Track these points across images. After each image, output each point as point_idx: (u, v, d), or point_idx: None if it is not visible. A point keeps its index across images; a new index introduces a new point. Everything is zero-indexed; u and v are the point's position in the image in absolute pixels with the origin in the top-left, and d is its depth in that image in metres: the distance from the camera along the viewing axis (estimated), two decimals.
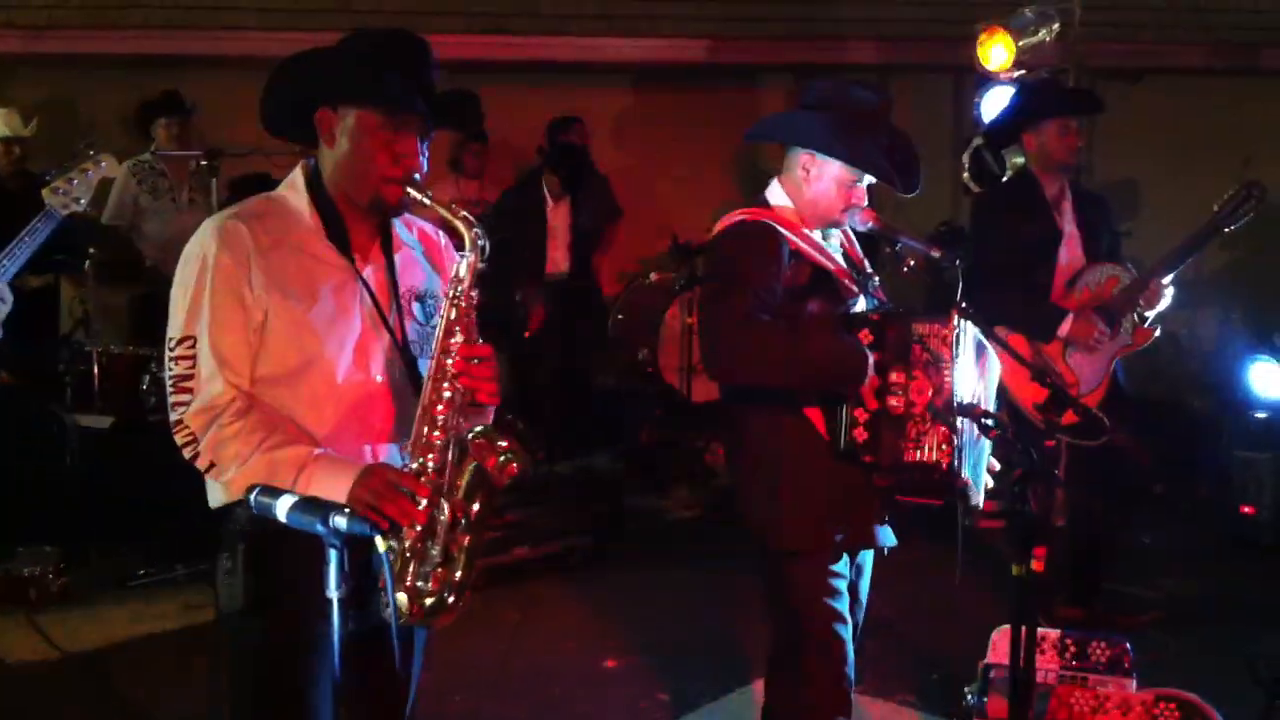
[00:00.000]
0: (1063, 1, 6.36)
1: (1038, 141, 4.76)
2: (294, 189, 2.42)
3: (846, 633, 3.15)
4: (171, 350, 2.31)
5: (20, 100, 6.91)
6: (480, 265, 2.33)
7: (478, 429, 2.30)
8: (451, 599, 2.27)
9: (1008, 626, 3.04)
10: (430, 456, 2.28)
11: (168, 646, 4.81)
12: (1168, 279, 4.57)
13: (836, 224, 3.19)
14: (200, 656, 4.71)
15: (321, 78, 2.36)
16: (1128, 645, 3.76)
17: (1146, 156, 8.06)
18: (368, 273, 2.40)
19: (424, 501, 2.23)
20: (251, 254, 2.28)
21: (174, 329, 2.31)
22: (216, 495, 2.36)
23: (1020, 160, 5.79)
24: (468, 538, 2.28)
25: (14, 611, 5.00)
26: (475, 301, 2.34)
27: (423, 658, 2.59)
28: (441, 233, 2.64)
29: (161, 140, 6.84)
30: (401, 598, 2.25)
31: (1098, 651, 3.76)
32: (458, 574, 2.27)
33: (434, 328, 2.39)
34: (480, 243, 2.33)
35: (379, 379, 2.38)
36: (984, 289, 4.25)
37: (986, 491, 3.13)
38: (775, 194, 3.21)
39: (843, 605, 3.14)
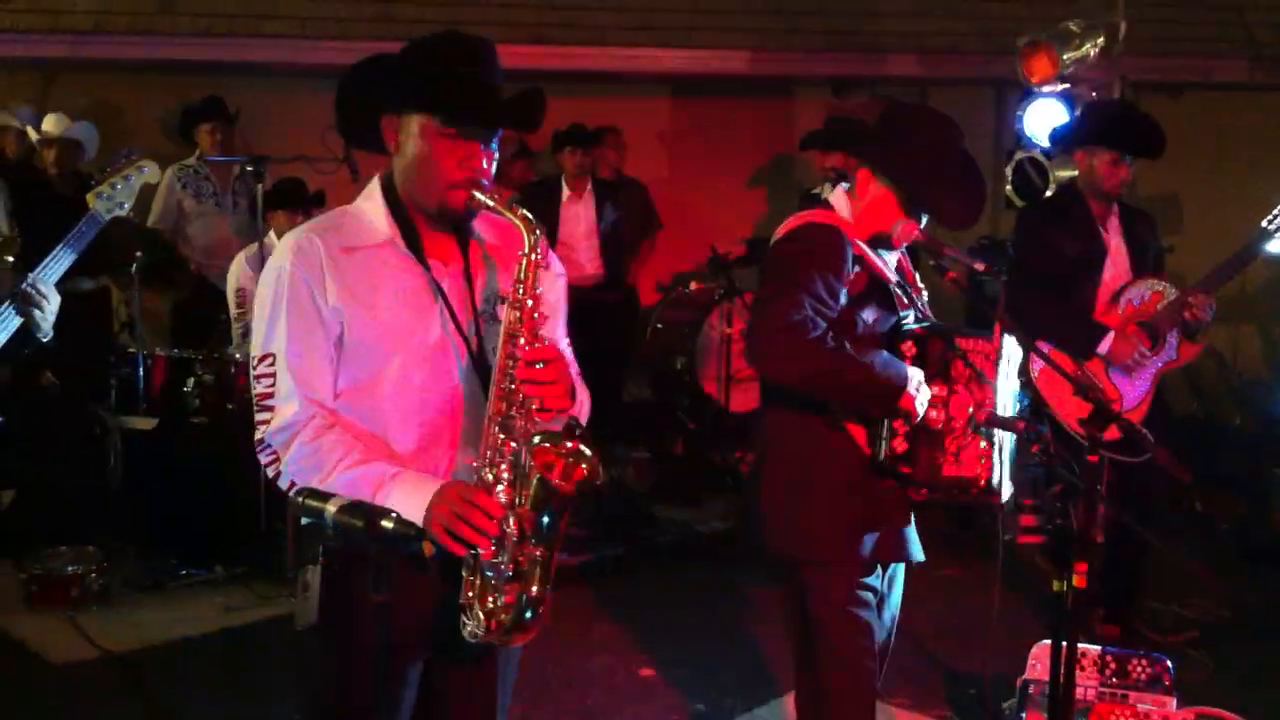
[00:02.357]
0: (1107, 15, 6.32)
1: (1088, 163, 4.69)
2: (370, 198, 2.41)
3: (873, 646, 3.14)
4: (254, 369, 2.31)
5: (65, 105, 7.01)
6: (543, 265, 2.30)
7: (537, 436, 2.21)
8: (528, 615, 2.21)
9: (1047, 642, 3.04)
10: (502, 468, 2.23)
11: (205, 649, 4.84)
12: (1212, 295, 4.53)
13: (886, 242, 3.13)
14: (236, 660, 4.76)
15: (382, 85, 2.34)
16: (1168, 663, 3.74)
17: (1189, 171, 7.99)
18: (444, 279, 2.36)
19: (498, 517, 2.19)
20: (325, 266, 2.28)
21: (256, 346, 2.32)
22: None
23: (1065, 174, 5.74)
24: (539, 550, 2.21)
25: (55, 610, 5.06)
26: (538, 302, 2.28)
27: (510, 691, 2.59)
28: None
29: (205, 145, 6.90)
30: (479, 615, 2.22)
31: (1138, 669, 3.73)
32: (533, 589, 2.20)
33: None
34: (541, 240, 2.29)
35: (455, 386, 2.35)
36: (1026, 304, 4.24)
37: (1024, 506, 3.12)
38: (837, 201, 3.21)
39: (871, 617, 3.13)
